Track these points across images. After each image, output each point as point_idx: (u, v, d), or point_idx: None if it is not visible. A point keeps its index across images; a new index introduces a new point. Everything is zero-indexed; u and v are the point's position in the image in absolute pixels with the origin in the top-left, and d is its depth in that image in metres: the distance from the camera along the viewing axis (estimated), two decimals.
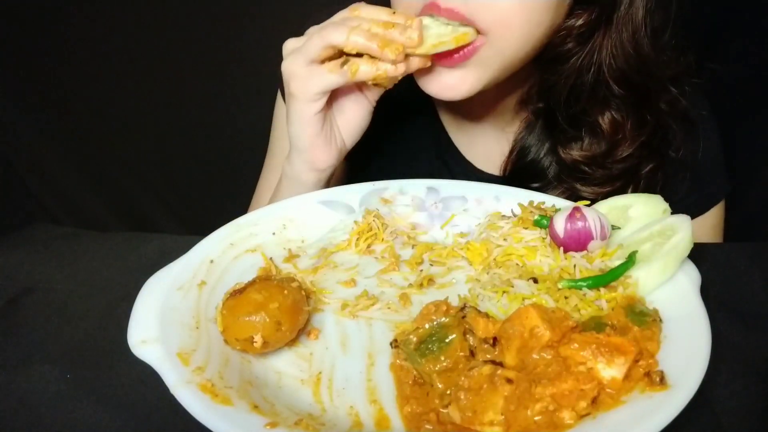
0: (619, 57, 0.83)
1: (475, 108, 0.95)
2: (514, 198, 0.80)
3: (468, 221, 0.81)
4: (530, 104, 0.92)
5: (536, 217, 0.73)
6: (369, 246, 0.77)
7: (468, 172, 0.99)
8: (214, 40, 1.31)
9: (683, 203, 0.84)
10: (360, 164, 0.99)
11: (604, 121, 0.87)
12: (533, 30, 0.78)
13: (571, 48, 0.83)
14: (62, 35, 1.28)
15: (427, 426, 0.54)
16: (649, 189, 0.91)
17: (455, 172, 1.00)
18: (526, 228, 0.73)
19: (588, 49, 0.83)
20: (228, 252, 0.72)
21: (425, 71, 0.80)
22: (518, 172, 0.95)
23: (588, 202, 0.74)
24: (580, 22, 0.81)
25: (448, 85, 0.80)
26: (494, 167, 0.99)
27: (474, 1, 0.74)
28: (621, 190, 0.90)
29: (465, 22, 0.75)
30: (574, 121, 0.88)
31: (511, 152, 0.95)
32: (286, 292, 0.62)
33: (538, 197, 0.80)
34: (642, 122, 0.87)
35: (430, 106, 0.99)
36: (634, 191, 0.90)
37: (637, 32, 0.82)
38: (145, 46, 1.30)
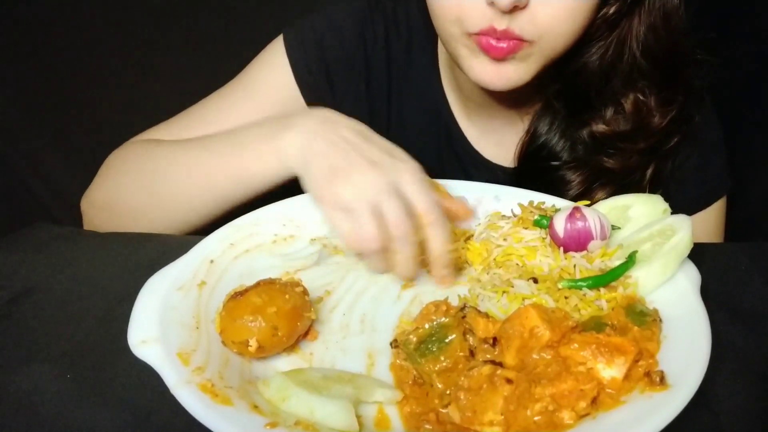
0: (649, 34, 0.84)
1: (492, 101, 0.94)
2: (514, 198, 0.80)
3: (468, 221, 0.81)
4: (550, 89, 0.92)
5: (536, 217, 0.73)
6: None
7: (479, 164, 0.99)
8: (214, 41, 1.31)
9: (692, 187, 0.83)
10: None
11: (629, 98, 0.87)
12: (578, 30, 0.79)
13: (602, 33, 0.84)
14: (63, 35, 1.28)
15: (427, 426, 0.54)
16: (666, 168, 0.92)
17: (466, 163, 1.00)
18: (526, 228, 0.73)
19: (618, 30, 0.84)
20: (228, 252, 0.72)
21: (472, 62, 0.79)
22: (530, 158, 0.95)
23: (588, 202, 0.74)
24: (612, 10, 0.82)
25: (501, 73, 0.79)
26: (506, 159, 0.99)
27: (526, 18, 0.73)
28: (645, 164, 0.91)
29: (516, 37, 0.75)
30: (602, 100, 0.89)
31: (523, 139, 0.96)
32: (287, 296, 0.61)
33: (538, 197, 0.80)
34: (670, 98, 0.88)
35: (440, 99, 0.99)
36: (657, 167, 0.91)
37: (668, 10, 0.83)
38: (145, 46, 1.30)
